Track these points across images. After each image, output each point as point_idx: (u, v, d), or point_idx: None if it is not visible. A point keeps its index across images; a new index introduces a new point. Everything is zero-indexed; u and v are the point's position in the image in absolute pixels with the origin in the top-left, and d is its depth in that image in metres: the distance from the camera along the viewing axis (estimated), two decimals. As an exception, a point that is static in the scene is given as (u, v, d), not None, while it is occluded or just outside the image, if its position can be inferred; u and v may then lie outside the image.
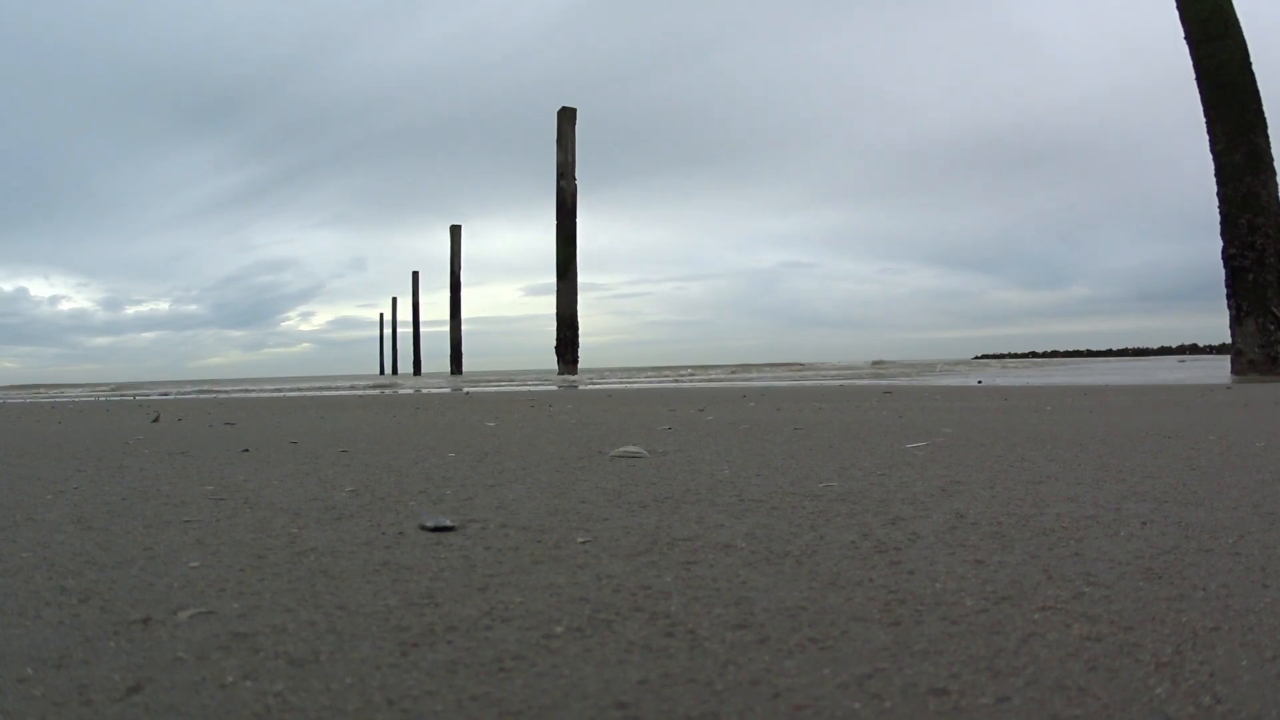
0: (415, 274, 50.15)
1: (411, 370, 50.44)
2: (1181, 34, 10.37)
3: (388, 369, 63.53)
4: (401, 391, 13.32)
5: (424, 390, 13.63)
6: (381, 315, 67.89)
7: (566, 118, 23.50)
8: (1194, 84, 10.30)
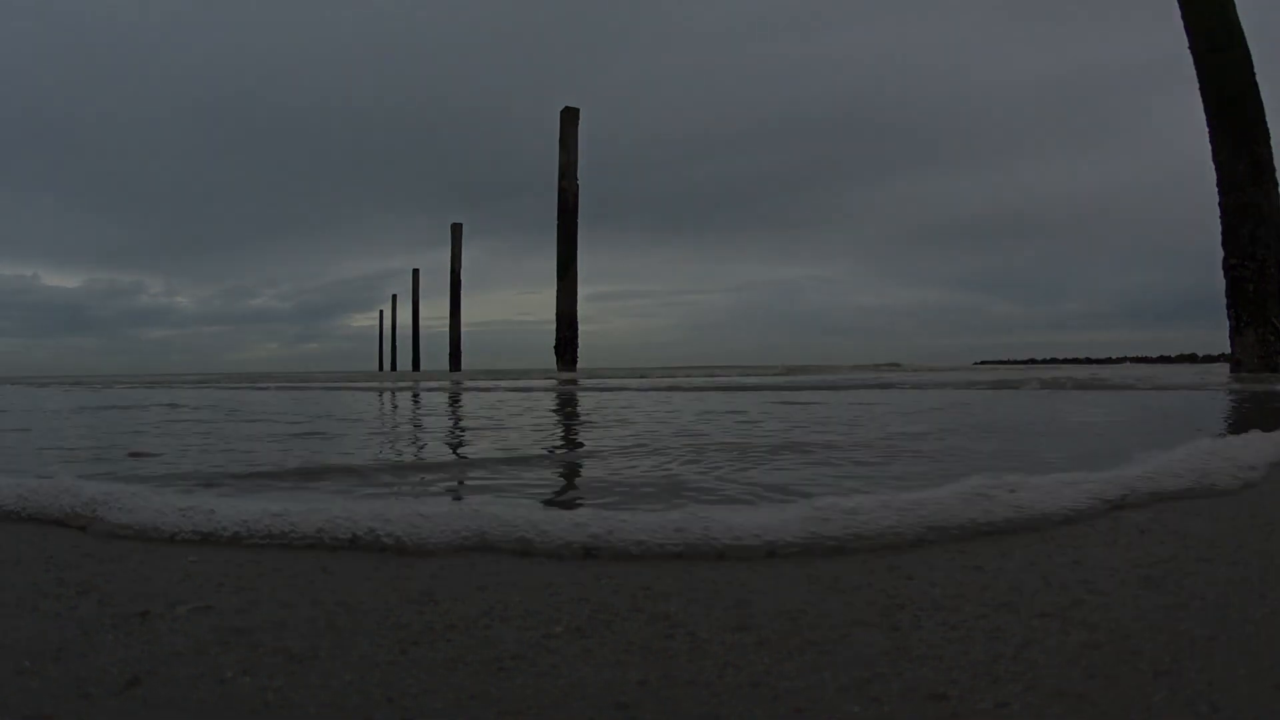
0: (415, 271, 50.18)
1: (410, 367, 50.46)
2: (1186, 44, 10.38)
3: (386, 365, 63.64)
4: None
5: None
6: (381, 312, 67.97)
7: (569, 118, 23.33)
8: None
